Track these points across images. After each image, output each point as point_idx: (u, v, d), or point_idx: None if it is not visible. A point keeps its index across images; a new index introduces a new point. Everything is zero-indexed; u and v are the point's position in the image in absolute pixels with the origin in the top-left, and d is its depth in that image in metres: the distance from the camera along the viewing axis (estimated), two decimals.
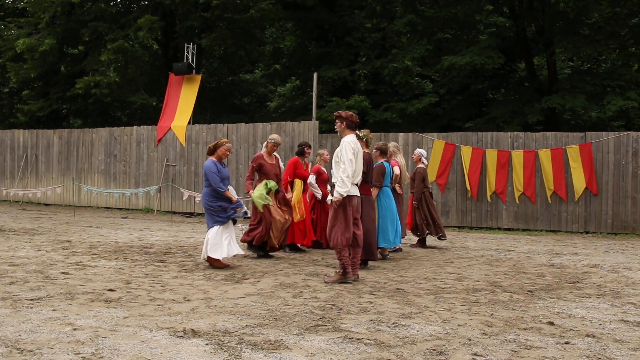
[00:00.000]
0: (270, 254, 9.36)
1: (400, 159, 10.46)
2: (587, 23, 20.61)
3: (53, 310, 5.44)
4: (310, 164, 10.87)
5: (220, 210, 8.16)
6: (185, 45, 19.27)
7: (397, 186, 10.18)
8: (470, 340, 4.74)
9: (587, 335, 4.97)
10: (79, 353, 4.18)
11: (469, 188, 15.07)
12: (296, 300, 6.09)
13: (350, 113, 7.53)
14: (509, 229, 14.86)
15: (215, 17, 20.50)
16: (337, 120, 7.53)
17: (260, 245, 9.19)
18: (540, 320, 5.45)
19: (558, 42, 19.28)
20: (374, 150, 9.47)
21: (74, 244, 10.40)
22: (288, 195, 9.82)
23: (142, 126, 18.99)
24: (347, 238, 7.18)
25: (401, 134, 15.97)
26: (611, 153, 14.35)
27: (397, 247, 9.87)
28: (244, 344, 4.47)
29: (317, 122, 16.22)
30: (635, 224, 14.13)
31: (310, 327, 5.03)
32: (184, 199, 16.62)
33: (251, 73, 30.33)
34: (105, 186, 18.91)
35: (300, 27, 24.77)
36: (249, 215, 8.76)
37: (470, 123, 21.66)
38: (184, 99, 18.60)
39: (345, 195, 7.13)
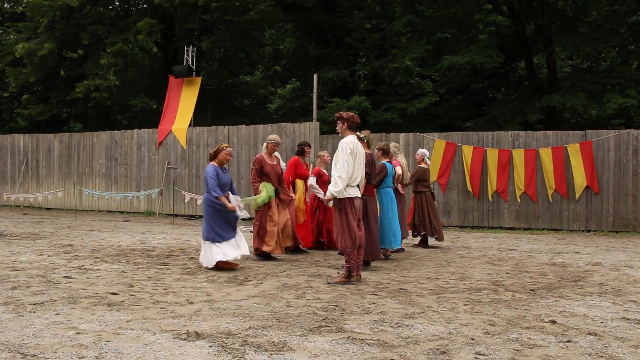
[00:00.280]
0: (273, 255, 9.36)
1: (401, 159, 10.45)
2: (586, 21, 20.62)
3: (56, 314, 5.45)
4: (311, 164, 10.88)
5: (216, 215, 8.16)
6: (185, 47, 19.28)
7: (399, 186, 10.18)
8: (473, 339, 4.75)
9: (589, 334, 4.97)
10: (83, 357, 4.19)
11: (470, 189, 15.07)
12: (299, 302, 6.10)
13: (351, 114, 7.53)
14: (510, 228, 14.86)
15: (215, 19, 20.52)
16: (338, 121, 7.54)
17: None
18: (543, 319, 5.45)
19: (557, 41, 19.29)
20: (376, 151, 9.48)
21: (76, 248, 10.41)
22: (291, 195, 9.85)
23: (142, 129, 18.99)
24: (353, 240, 7.20)
25: (402, 134, 15.97)
26: (612, 151, 14.35)
27: (399, 247, 9.87)
28: (248, 346, 4.48)
29: (317, 123, 16.24)
30: (636, 221, 14.13)
31: (314, 328, 5.03)
32: (186, 201, 16.63)
33: (251, 75, 30.36)
34: (106, 190, 18.92)
35: (299, 29, 24.79)
36: (242, 216, 8.68)
37: (470, 122, 21.67)
38: (184, 101, 18.61)
39: (337, 194, 7.15)
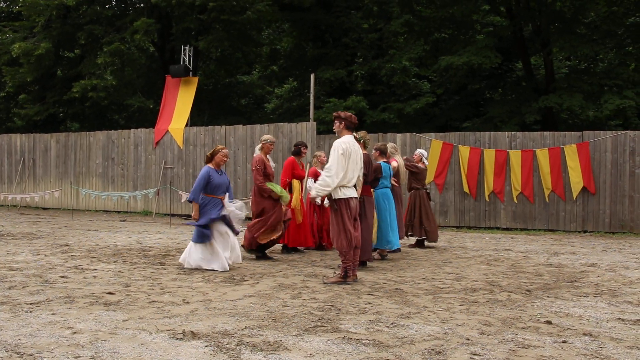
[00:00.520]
0: (269, 255, 9.37)
1: (398, 159, 10.45)
2: (583, 22, 20.65)
3: (52, 314, 5.45)
4: (307, 164, 10.86)
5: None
6: (182, 47, 19.28)
7: (393, 180, 10.01)
8: (468, 339, 4.76)
9: (585, 334, 4.99)
10: (79, 356, 4.20)
11: (467, 189, 15.10)
12: (295, 302, 6.10)
13: (349, 114, 7.54)
14: (507, 229, 14.89)
15: (212, 19, 20.50)
16: (335, 121, 7.54)
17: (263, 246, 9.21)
18: (538, 320, 5.47)
19: (555, 42, 19.32)
20: (374, 151, 9.48)
21: (72, 247, 10.40)
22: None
23: (139, 129, 18.98)
24: (349, 241, 7.20)
25: (399, 135, 16.00)
26: (608, 152, 14.38)
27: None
28: (243, 346, 4.49)
29: (314, 123, 16.23)
30: (633, 222, 14.17)
31: (309, 327, 5.04)
32: (182, 201, 16.63)
33: (248, 75, 30.34)
34: (103, 189, 18.91)
35: (297, 28, 24.78)
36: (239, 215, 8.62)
37: (467, 123, 21.68)
38: (181, 101, 18.61)
39: (320, 193, 7.23)
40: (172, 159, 18.06)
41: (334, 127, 7.60)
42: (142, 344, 4.51)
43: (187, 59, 18.95)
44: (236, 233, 8.37)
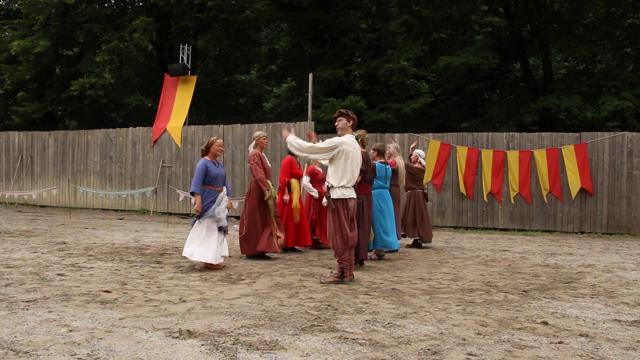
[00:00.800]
0: (267, 255, 9.36)
1: (399, 160, 10.42)
2: (582, 23, 20.69)
3: (49, 311, 5.44)
4: (305, 163, 10.87)
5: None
6: (181, 46, 19.26)
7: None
8: (464, 340, 4.76)
9: (581, 335, 4.99)
10: (75, 354, 4.19)
11: (463, 191, 15.11)
12: (292, 301, 6.10)
13: (355, 115, 7.53)
14: (504, 229, 14.90)
15: (211, 18, 20.51)
16: (342, 117, 7.38)
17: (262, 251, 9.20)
18: (535, 320, 5.47)
19: (553, 43, 19.34)
20: (372, 151, 9.47)
21: (69, 245, 10.39)
22: (286, 198, 9.88)
23: (137, 127, 18.98)
24: (345, 241, 7.20)
25: (397, 135, 15.99)
26: (606, 153, 14.40)
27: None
28: (240, 345, 4.49)
29: (312, 122, 16.25)
30: (630, 224, 14.18)
31: (306, 327, 5.04)
32: (180, 200, 16.63)
33: (247, 74, 30.34)
34: (101, 188, 18.90)
35: (295, 28, 24.79)
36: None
37: (465, 123, 21.70)
38: (179, 100, 18.60)
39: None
40: (170, 158, 18.05)
41: (337, 124, 7.43)
42: (138, 342, 4.50)
43: (185, 58, 18.94)
44: (225, 232, 8.35)
